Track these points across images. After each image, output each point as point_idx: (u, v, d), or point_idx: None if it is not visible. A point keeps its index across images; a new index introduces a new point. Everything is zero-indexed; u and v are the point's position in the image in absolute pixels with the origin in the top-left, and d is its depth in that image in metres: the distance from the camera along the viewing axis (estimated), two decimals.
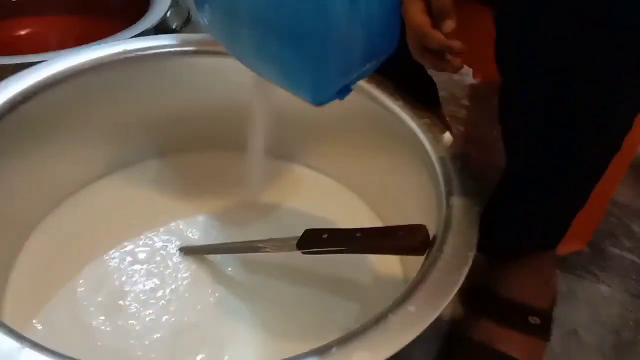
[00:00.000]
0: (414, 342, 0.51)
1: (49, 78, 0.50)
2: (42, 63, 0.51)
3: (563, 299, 0.57)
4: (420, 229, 0.40)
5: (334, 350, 0.33)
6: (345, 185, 0.60)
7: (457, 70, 0.45)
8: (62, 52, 0.55)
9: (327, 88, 0.39)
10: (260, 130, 0.52)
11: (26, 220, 0.52)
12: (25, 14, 0.78)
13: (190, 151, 0.62)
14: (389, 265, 0.52)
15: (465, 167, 0.45)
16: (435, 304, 0.35)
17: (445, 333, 0.54)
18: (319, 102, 0.39)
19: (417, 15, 0.42)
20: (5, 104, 0.47)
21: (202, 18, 0.42)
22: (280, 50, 0.38)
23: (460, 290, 0.56)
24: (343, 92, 0.39)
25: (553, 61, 0.41)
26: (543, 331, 0.51)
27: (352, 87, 0.40)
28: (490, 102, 0.84)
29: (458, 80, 0.86)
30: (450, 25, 0.44)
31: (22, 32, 0.79)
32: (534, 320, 0.51)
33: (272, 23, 0.37)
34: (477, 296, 0.54)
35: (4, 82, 0.48)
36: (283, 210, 0.58)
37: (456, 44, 0.43)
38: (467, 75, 0.88)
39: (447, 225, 0.40)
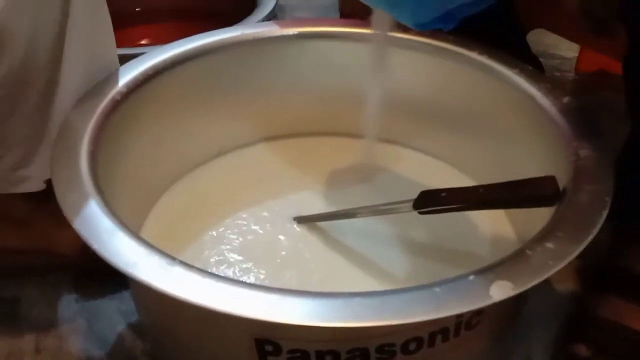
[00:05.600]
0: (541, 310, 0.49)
1: (170, 59, 0.53)
2: (167, 45, 0.55)
3: None
4: (549, 179, 0.39)
5: (471, 278, 0.32)
6: (457, 168, 0.59)
7: None
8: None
9: (427, 8, 0.38)
10: (374, 114, 0.53)
11: (152, 189, 0.55)
12: (144, 22, 0.85)
13: (298, 136, 0.64)
14: (502, 234, 0.51)
15: (593, 121, 0.43)
16: (574, 242, 0.34)
17: (566, 311, 0.51)
18: (418, 23, 0.39)
19: None
20: (132, 80, 0.50)
21: None
22: None
23: (581, 268, 0.55)
24: (447, 20, 0.39)
25: None
26: None
27: (458, 17, 0.39)
28: (595, 94, 0.82)
29: (560, 76, 0.84)
30: None
31: (141, 41, 0.86)
32: None
33: None
34: (602, 273, 0.51)
35: (130, 63, 0.52)
36: (391, 190, 0.57)
37: None
38: (569, 71, 0.86)
39: (578, 174, 0.39)
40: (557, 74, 0.85)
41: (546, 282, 0.55)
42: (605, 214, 0.36)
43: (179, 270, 0.32)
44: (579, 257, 0.55)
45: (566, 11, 0.54)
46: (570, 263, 0.55)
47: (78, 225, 0.35)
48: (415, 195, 0.45)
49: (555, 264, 0.33)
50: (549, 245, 0.34)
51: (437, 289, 0.32)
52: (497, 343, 0.42)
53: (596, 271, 0.52)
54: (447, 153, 0.59)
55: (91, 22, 0.48)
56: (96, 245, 0.34)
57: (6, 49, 0.42)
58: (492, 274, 0.32)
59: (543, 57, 0.87)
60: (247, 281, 0.48)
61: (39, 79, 0.46)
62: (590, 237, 0.34)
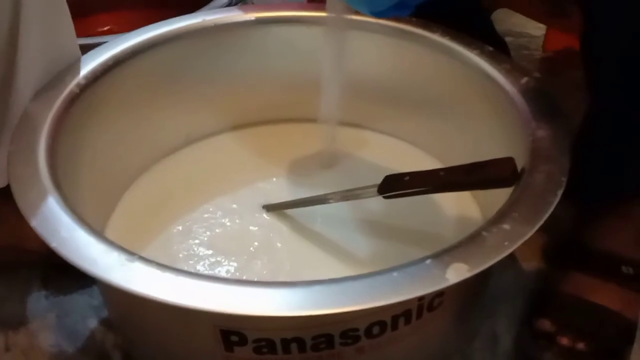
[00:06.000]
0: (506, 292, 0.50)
1: (130, 48, 0.52)
2: (126, 34, 0.54)
3: None
4: (508, 160, 0.40)
5: (428, 261, 0.33)
6: (420, 148, 0.59)
7: None
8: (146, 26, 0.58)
9: None
10: (336, 98, 0.53)
11: (117, 182, 0.55)
12: (106, 9, 0.83)
13: (264, 124, 0.63)
14: (468, 215, 0.52)
15: (551, 102, 0.44)
16: (530, 222, 0.34)
17: (531, 288, 0.53)
18: (375, 11, 0.39)
19: None
20: (91, 72, 0.49)
21: None
22: None
23: (546, 245, 0.56)
24: (403, 7, 0.39)
25: None
26: (638, 282, 0.49)
27: (414, 4, 0.39)
28: (562, 73, 0.83)
29: (527, 54, 0.85)
30: None
31: (104, 28, 0.84)
32: (627, 270, 0.49)
33: None
34: (564, 250, 0.52)
35: (89, 54, 0.51)
36: (358, 174, 0.57)
37: None
38: (537, 50, 0.87)
39: (535, 155, 0.40)
40: (525, 52, 0.86)
41: (512, 260, 0.57)
42: (560, 193, 0.37)
43: (138, 266, 0.32)
44: (544, 234, 0.57)
45: None
46: (535, 240, 0.57)
47: (36, 223, 0.35)
48: (381, 180, 0.46)
49: (510, 244, 0.33)
50: (505, 226, 0.34)
51: (395, 274, 0.32)
52: (460, 322, 0.43)
53: (559, 248, 0.53)
54: (413, 135, 0.60)
55: (47, 12, 0.47)
56: (54, 244, 0.34)
57: None
58: (448, 257, 0.33)
59: (511, 35, 0.88)
60: (218, 274, 0.48)
61: None
62: (545, 217, 0.35)
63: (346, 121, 0.59)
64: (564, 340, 0.46)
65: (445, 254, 0.33)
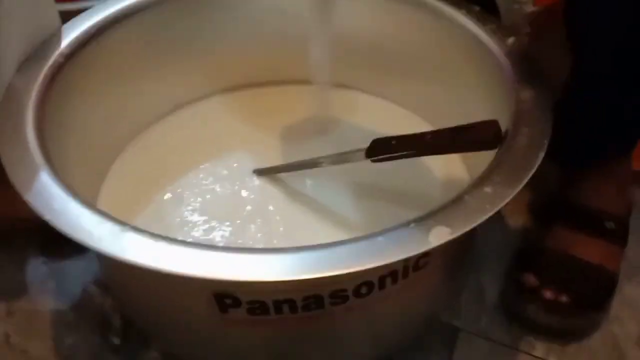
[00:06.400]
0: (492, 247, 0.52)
1: (114, 14, 0.51)
2: (106, 1, 0.53)
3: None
4: (492, 123, 0.40)
5: (412, 225, 0.34)
6: (411, 110, 0.60)
7: None
8: None
9: None
10: (322, 58, 0.53)
11: (106, 151, 0.55)
12: None
13: (253, 87, 0.63)
14: (455, 174, 0.53)
15: (535, 64, 0.44)
16: (511, 185, 0.35)
17: (517, 244, 0.54)
18: None
19: None
20: (76, 39, 0.49)
21: None
22: None
23: (532, 202, 0.57)
24: None
25: None
26: (619, 236, 0.51)
27: None
28: (552, 28, 0.82)
29: (518, 9, 0.84)
30: None
31: None
32: (609, 225, 0.50)
33: None
34: (549, 207, 0.54)
35: (72, 22, 0.50)
36: (349, 136, 0.58)
37: None
38: (527, 4, 0.85)
39: (518, 117, 0.40)
40: (516, 6, 0.85)
41: (499, 218, 0.58)
42: (542, 155, 0.37)
43: (131, 236, 0.33)
44: (530, 192, 0.58)
45: None
46: (522, 198, 0.58)
47: (29, 197, 0.36)
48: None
49: (491, 207, 0.34)
50: (487, 189, 0.35)
51: (380, 238, 0.33)
52: (447, 280, 0.44)
53: (545, 205, 0.54)
54: (403, 97, 0.60)
55: None
56: (48, 216, 0.34)
57: None
58: (431, 221, 0.34)
59: None
60: (213, 240, 0.49)
61: None
62: (526, 180, 0.36)
63: (336, 83, 0.59)
64: (548, 293, 0.48)
65: (428, 218, 0.34)
